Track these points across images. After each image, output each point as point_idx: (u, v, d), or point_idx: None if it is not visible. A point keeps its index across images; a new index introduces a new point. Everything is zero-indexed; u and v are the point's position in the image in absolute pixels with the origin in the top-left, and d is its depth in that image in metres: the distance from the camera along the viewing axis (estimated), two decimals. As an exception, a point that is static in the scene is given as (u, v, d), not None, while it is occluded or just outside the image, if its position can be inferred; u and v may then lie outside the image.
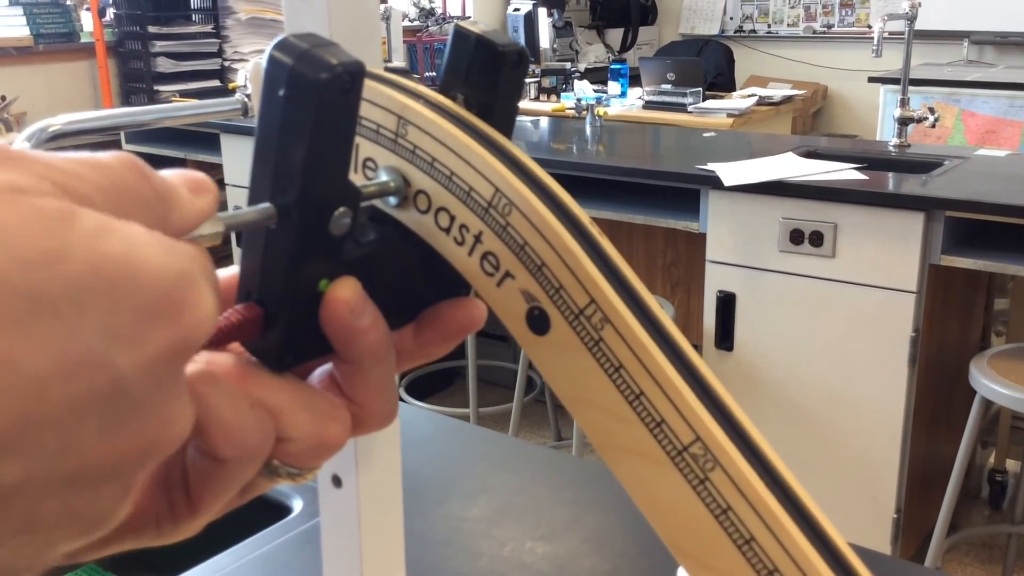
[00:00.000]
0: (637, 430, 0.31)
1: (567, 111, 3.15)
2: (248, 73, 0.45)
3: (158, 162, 2.88)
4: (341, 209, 0.33)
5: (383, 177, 0.35)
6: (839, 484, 2.24)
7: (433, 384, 3.40)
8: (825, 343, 2.18)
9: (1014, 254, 2.01)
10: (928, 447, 2.30)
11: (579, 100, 3.06)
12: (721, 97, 4.68)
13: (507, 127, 0.36)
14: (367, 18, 0.40)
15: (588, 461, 0.99)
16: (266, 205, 0.31)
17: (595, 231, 0.33)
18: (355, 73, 0.30)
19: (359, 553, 0.45)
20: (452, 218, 0.34)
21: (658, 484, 0.31)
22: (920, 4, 2.43)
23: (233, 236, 0.33)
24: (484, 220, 0.33)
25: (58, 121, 0.80)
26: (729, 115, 4.27)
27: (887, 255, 2.06)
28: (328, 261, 0.33)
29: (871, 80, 4.20)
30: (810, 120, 6.19)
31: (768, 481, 0.30)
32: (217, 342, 0.33)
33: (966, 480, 2.79)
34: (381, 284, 0.36)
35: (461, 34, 0.36)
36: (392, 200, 0.35)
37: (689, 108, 4.32)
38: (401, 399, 3.02)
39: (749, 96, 4.63)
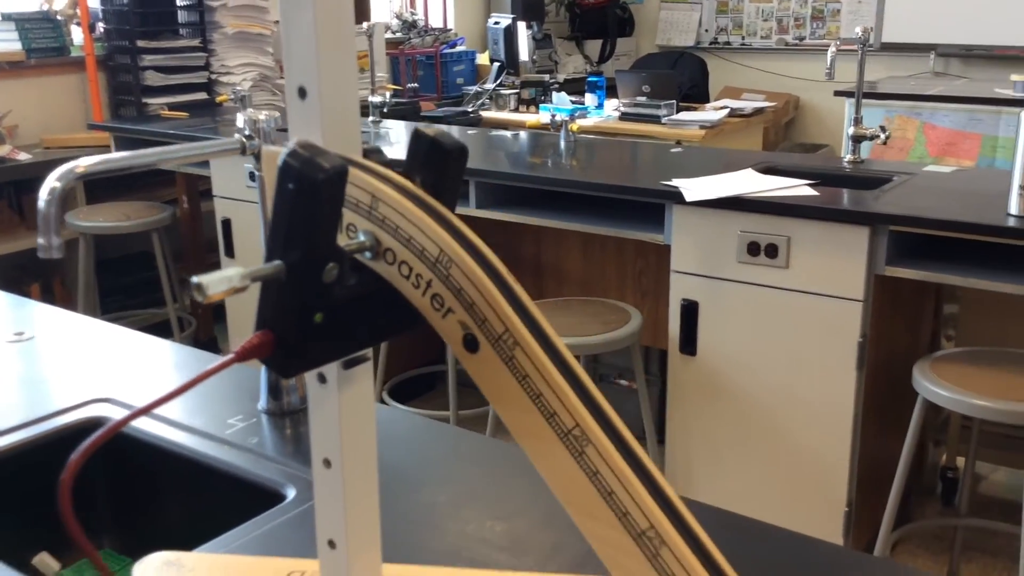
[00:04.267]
0: (538, 419, 0.44)
1: (543, 124, 3.29)
2: (263, 160, 0.56)
3: (153, 173, 2.98)
4: (331, 264, 0.46)
5: (361, 238, 0.49)
6: (794, 479, 2.39)
7: (415, 388, 3.53)
8: (780, 347, 2.33)
9: (956, 264, 2.16)
10: (879, 445, 2.45)
11: (553, 116, 3.20)
12: (695, 109, 4.83)
13: (452, 201, 0.50)
14: (351, 123, 0.53)
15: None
16: (278, 263, 0.45)
17: (511, 279, 0.47)
18: (342, 173, 0.44)
19: (344, 519, 0.59)
20: (411, 269, 0.48)
21: (552, 457, 0.44)
22: (872, 30, 2.58)
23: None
24: (433, 271, 0.47)
25: (83, 163, 0.93)
26: (701, 127, 4.42)
27: (836, 266, 2.21)
28: (322, 300, 0.47)
29: (836, 94, 4.36)
30: (782, 130, 6.36)
31: (623, 452, 0.43)
32: (242, 358, 0.47)
33: (921, 476, 2.94)
34: (360, 315, 0.50)
35: (418, 135, 0.50)
36: (368, 254, 0.49)
37: (663, 120, 4.47)
38: (383, 402, 3.15)
39: (721, 108, 4.78)
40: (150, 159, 0.99)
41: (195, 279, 0.42)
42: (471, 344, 0.46)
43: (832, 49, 2.54)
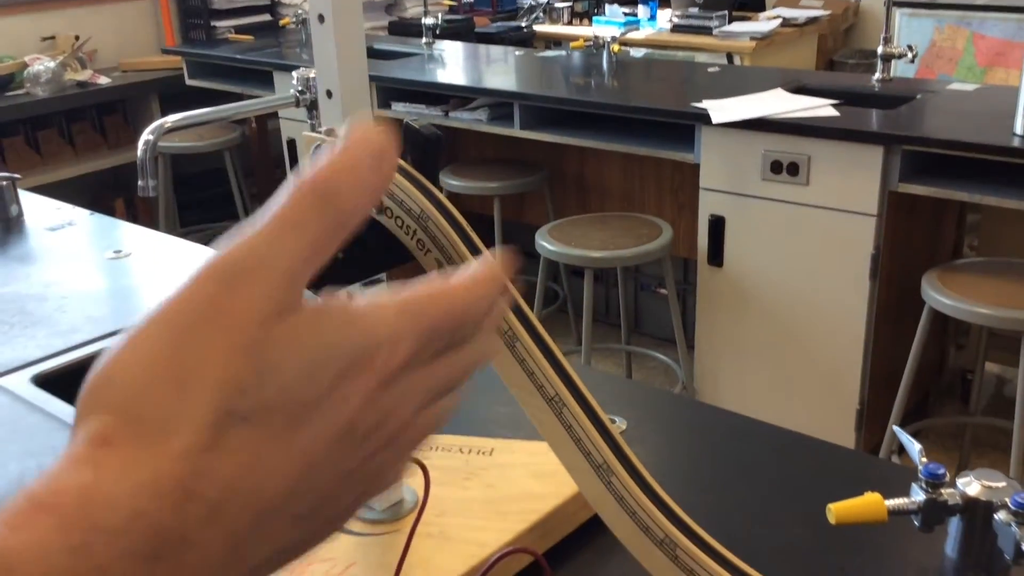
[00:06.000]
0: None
1: (586, 45, 3.42)
2: (303, 141, 0.76)
3: (217, 96, 3.25)
4: (348, 220, 0.68)
5: (370, 199, 0.71)
6: (812, 380, 2.59)
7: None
8: (800, 259, 2.50)
9: (970, 180, 2.29)
10: (895, 350, 2.62)
11: (596, 37, 3.33)
12: (748, 19, 4.86)
13: (433, 173, 0.71)
14: (364, 115, 0.74)
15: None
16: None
17: (468, 228, 0.68)
18: (350, 161, 0.65)
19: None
20: (403, 222, 0.69)
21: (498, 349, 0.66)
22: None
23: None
24: (417, 223, 0.68)
25: (170, 120, 1.15)
26: (752, 38, 4.47)
27: (852, 183, 2.35)
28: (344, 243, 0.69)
29: (885, 4, 4.36)
30: (841, 36, 6.29)
31: (539, 344, 0.65)
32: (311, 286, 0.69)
33: (942, 378, 3.11)
34: (369, 254, 0.72)
35: (407, 127, 0.71)
36: (374, 211, 0.71)
37: (714, 32, 4.53)
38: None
39: (773, 18, 4.80)
40: (225, 114, 1.22)
41: (257, 232, 0.65)
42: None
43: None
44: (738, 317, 2.67)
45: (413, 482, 0.88)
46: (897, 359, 2.66)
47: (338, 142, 0.37)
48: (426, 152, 0.71)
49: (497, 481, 0.91)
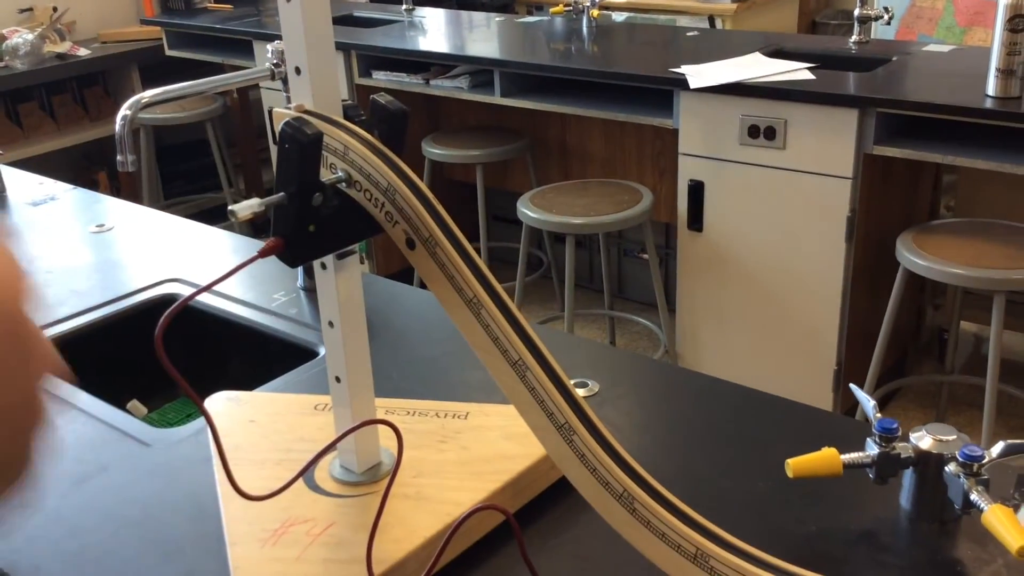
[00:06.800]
0: (452, 293, 0.69)
1: (566, 10, 3.42)
2: (274, 116, 0.77)
3: (197, 66, 3.24)
4: (317, 193, 0.70)
5: (339, 173, 0.73)
6: (790, 341, 2.63)
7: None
8: (778, 223, 2.53)
9: (944, 142, 2.32)
10: (872, 310, 2.67)
11: (576, 2, 3.33)
12: (730, -20, 4.83)
13: (399, 146, 0.74)
14: (332, 91, 0.76)
15: (527, 312, 1.37)
16: (282, 194, 0.69)
17: (435, 201, 0.70)
18: (319, 138, 0.68)
19: (344, 361, 0.85)
20: (372, 194, 0.71)
21: (462, 317, 0.69)
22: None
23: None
24: (385, 196, 0.71)
25: (147, 95, 1.17)
26: (733, 0, 4.47)
27: (828, 146, 2.38)
28: (313, 216, 0.71)
29: (867, -35, 4.36)
30: (824, -4, 6.30)
31: (503, 311, 0.68)
32: (264, 255, 0.72)
33: (919, 338, 3.16)
34: (341, 226, 0.74)
35: (375, 102, 0.73)
36: (344, 184, 0.73)
37: (696, -7, 4.51)
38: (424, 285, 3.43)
39: (755, -20, 4.79)
40: (201, 88, 1.23)
41: (229, 208, 0.67)
42: (411, 244, 0.70)
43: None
44: (718, 281, 2.70)
45: (390, 445, 0.91)
46: (874, 320, 2.70)
47: None
48: (393, 127, 0.73)
49: (472, 443, 0.94)
